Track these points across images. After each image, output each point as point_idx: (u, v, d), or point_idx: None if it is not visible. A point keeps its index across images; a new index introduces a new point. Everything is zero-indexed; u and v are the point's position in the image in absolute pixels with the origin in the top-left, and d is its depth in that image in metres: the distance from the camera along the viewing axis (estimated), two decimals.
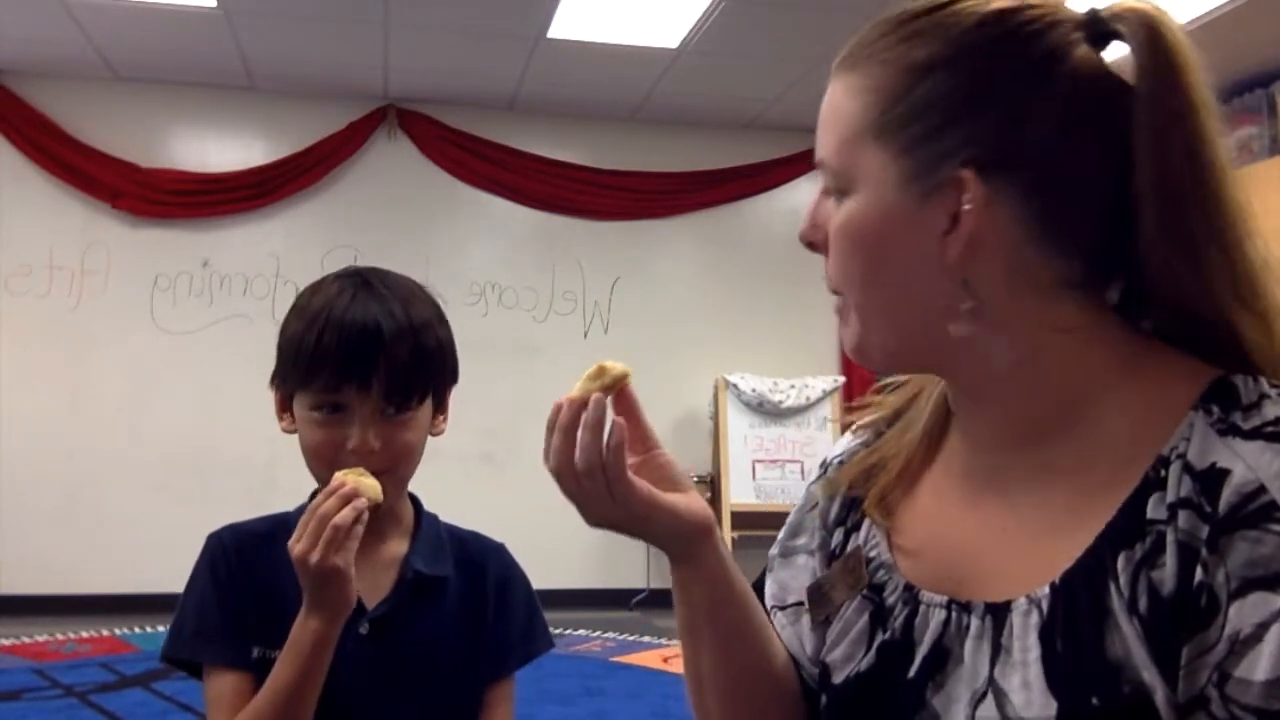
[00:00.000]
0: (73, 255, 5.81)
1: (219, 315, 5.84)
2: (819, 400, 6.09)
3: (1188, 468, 0.66)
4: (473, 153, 6.23)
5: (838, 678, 0.81)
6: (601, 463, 0.77)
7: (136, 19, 5.03)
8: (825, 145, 0.76)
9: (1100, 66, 0.71)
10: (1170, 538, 0.65)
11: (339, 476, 1.09)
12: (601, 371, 0.82)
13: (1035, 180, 0.70)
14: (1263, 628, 0.61)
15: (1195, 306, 0.70)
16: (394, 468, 1.16)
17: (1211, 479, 0.64)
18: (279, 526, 1.20)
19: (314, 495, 1.23)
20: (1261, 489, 0.63)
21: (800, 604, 0.88)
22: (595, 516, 0.80)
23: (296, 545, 1.06)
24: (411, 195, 6.17)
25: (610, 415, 0.79)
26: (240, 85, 5.93)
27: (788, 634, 0.89)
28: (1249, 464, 0.64)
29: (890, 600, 0.80)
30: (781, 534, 0.94)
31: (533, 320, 6.29)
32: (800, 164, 6.52)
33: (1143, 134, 0.69)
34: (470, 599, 1.24)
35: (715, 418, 6.11)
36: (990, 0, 0.72)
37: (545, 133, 6.31)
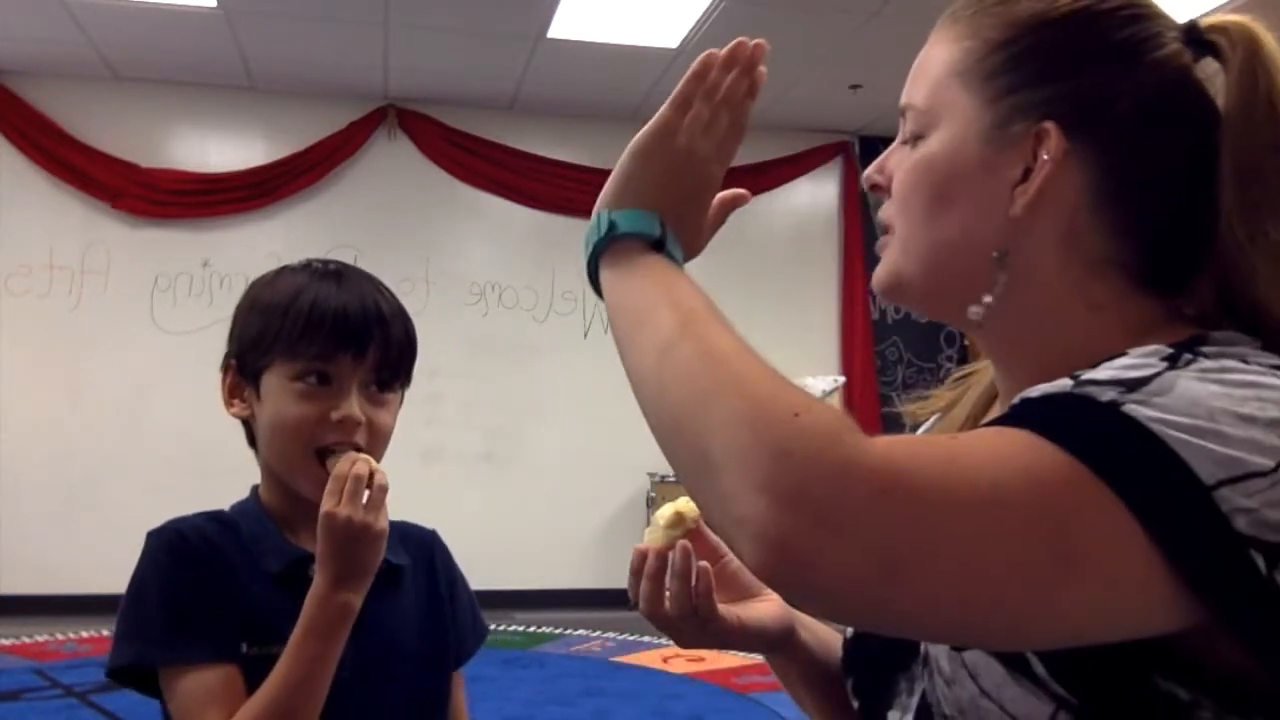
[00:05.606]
0: (73, 255, 5.82)
1: (219, 315, 5.80)
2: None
3: None
4: (473, 153, 6.23)
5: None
6: (694, 607, 0.84)
7: (136, 19, 5.03)
8: (914, 91, 0.79)
9: (1188, 68, 0.72)
10: None
11: (339, 461, 1.06)
12: (680, 519, 0.86)
13: (1112, 152, 0.72)
14: None
15: (1266, 308, 0.69)
16: (371, 449, 1.14)
17: None
18: (221, 524, 1.16)
19: (255, 490, 1.22)
20: None
21: None
22: (689, 645, 0.88)
23: (326, 506, 1.02)
24: (411, 195, 6.17)
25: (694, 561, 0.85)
26: (240, 85, 5.93)
27: None
28: None
29: None
30: None
31: (533, 320, 6.29)
32: (800, 164, 6.53)
33: (1230, 155, 0.69)
34: (427, 588, 1.23)
35: None
36: None
37: (545, 133, 6.31)
